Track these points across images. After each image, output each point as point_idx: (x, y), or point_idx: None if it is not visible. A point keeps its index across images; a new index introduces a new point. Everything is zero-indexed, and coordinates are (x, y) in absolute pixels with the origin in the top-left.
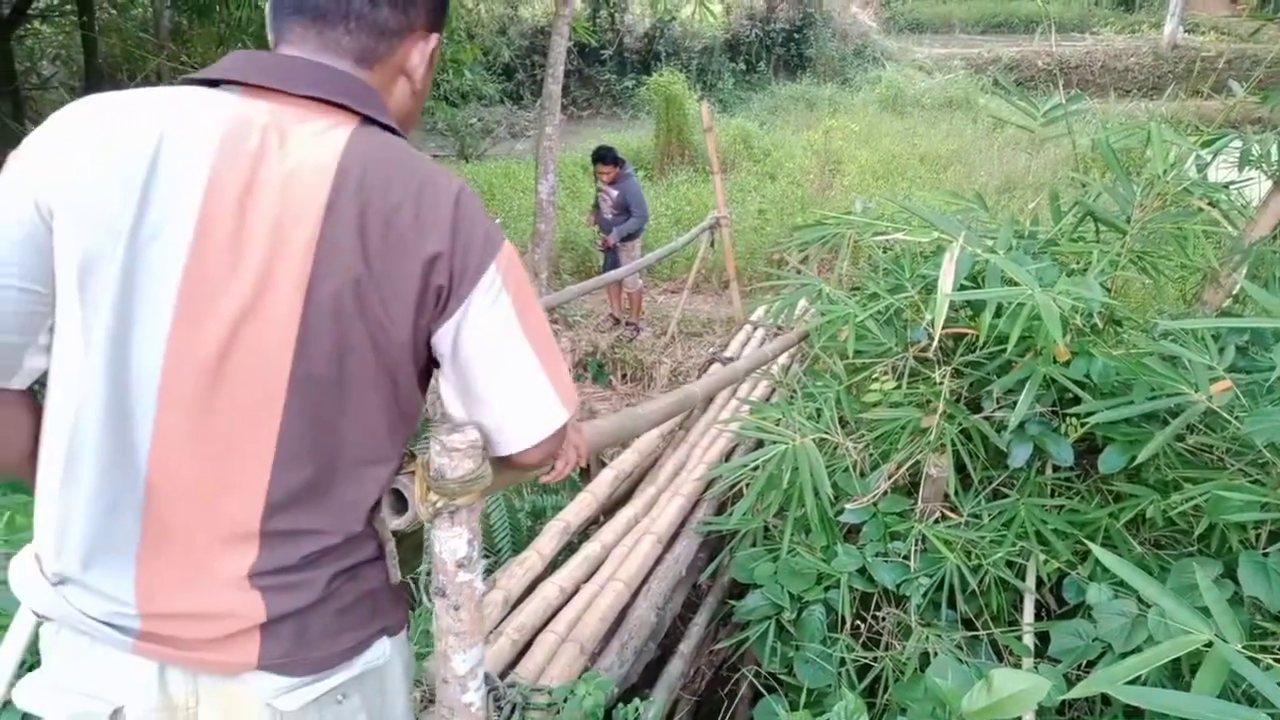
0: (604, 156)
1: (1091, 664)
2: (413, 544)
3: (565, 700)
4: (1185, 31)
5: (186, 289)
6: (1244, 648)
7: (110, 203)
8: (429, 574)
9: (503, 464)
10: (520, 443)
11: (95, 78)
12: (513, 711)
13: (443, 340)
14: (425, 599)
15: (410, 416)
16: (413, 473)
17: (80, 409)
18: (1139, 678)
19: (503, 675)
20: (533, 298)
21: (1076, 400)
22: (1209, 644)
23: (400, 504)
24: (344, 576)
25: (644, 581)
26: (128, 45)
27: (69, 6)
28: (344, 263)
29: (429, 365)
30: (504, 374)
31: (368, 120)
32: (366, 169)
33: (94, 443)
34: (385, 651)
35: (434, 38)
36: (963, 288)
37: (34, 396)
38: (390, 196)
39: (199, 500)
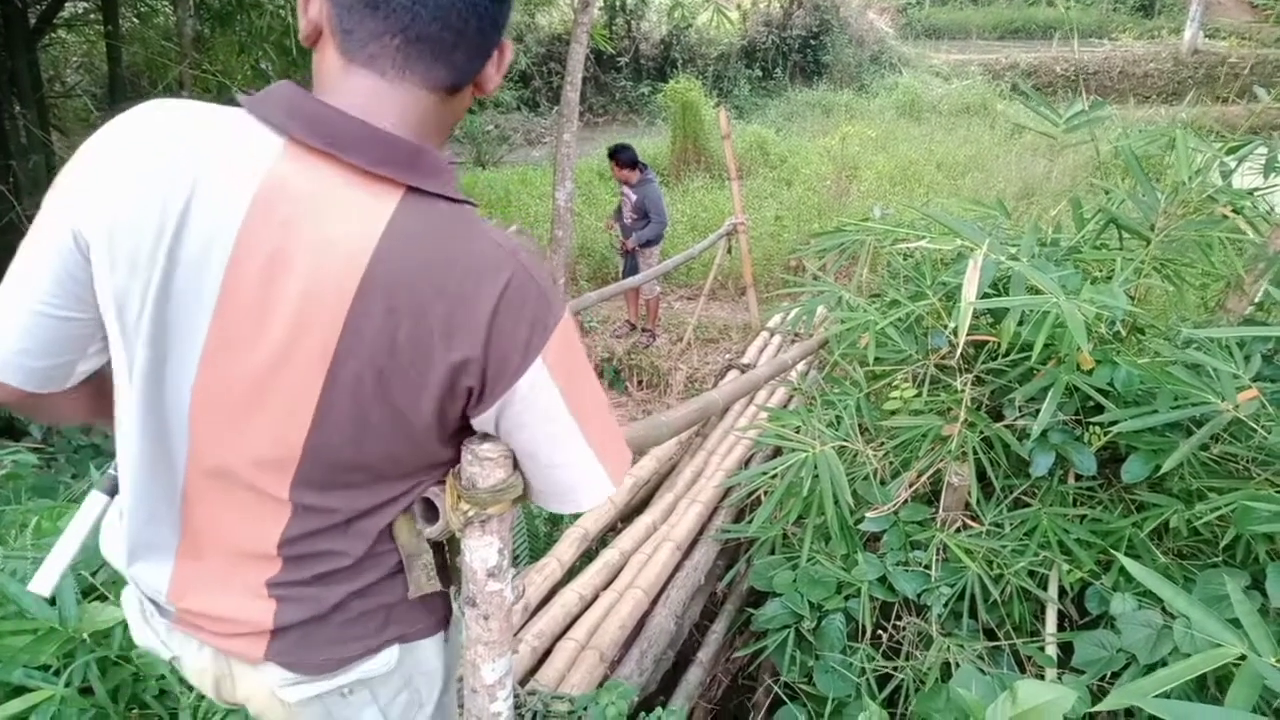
0: (616, 154)
1: (1116, 675)
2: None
3: (586, 709)
4: (1205, 37)
5: (211, 345)
6: (1277, 661)
7: (141, 250)
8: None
9: None
10: (565, 509)
11: (119, 85)
12: (533, 719)
13: (484, 424)
14: (455, 607)
15: (439, 463)
16: (443, 482)
17: (127, 427)
18: (1167, 691)
19: (523, 683)
20: (584, 374)
21: (1099, 409)
22: (1241, 657)
23: (431, 513)
24: (355, 594)
25: (663, 589)
26: (150, 53)
27: (94, 15)
28: (369, 351)
29: (465, 428)
30: (550, 457)
31: (411, 189)
32: (403, 257)
33: (136, 461)
34: (391, 660)
35: (509, 45)
36: (985, 295)
37: (89, 381)
38: (423, 292)
39: (226, 527)
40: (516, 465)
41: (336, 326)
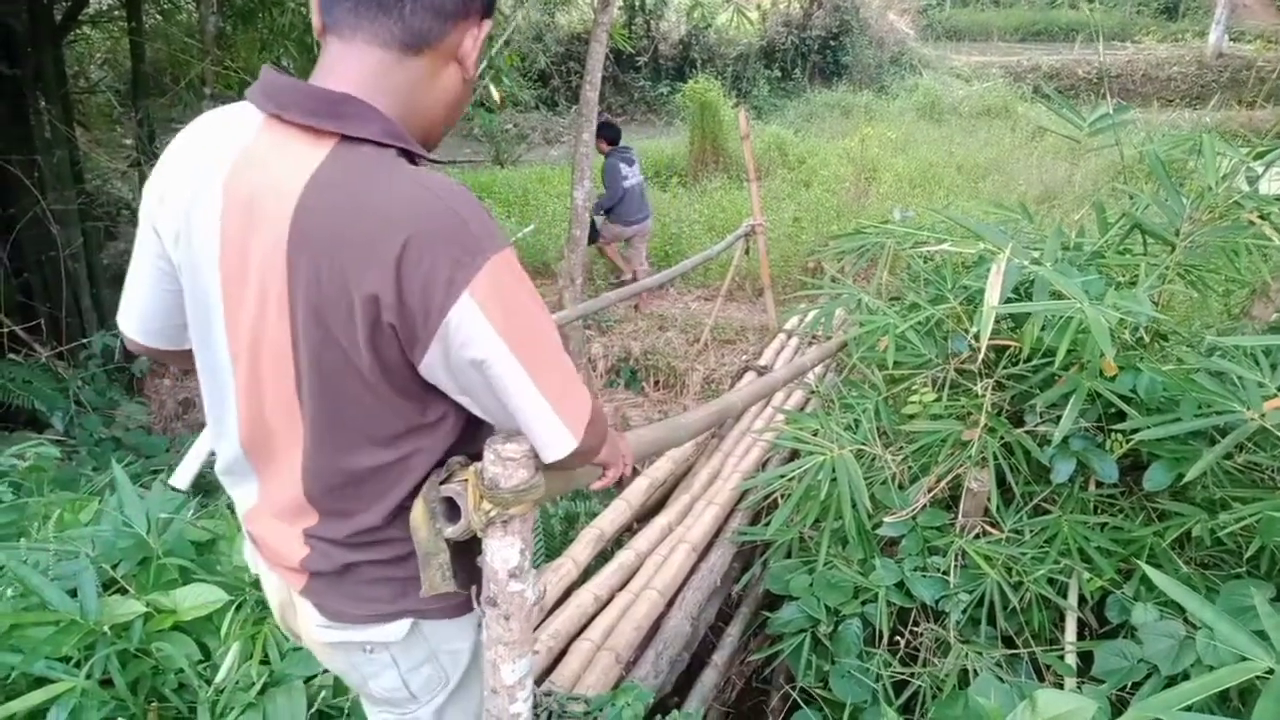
0: (598, 129)
1: (1136, 686)
2: (458, 548)
3: (602, 710)
4: (1230, 40)
5: (227, 309)
6: None
7: (179, 238)
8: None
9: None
10: (543, 459)
11: (142, 81)
12: (549, 719)
13: (432, 374)
14: (476, 607)
15: (419, 426)
16: (465, 481)
17: (202, 386)
18: (1190, 704)
19: (538, 683)
20: (530, 315)
21: (1121, 416)
22: (1269, 671)
23: (453, 513)
24: (370, 562)
25: (679, 591)
26: (173, 50)
27: (118, 12)
28: (304, 292)
29: (430, 386)
30: (504, 403)
31: (346, 137)
32: (319, 203)
33: (210, 411)
34: (401, 632)
35: (487, 24)
36: (1008, 300)
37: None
38: (335, 234)
39: (275, 474)
40: (539, 466)
41: (283, 272)
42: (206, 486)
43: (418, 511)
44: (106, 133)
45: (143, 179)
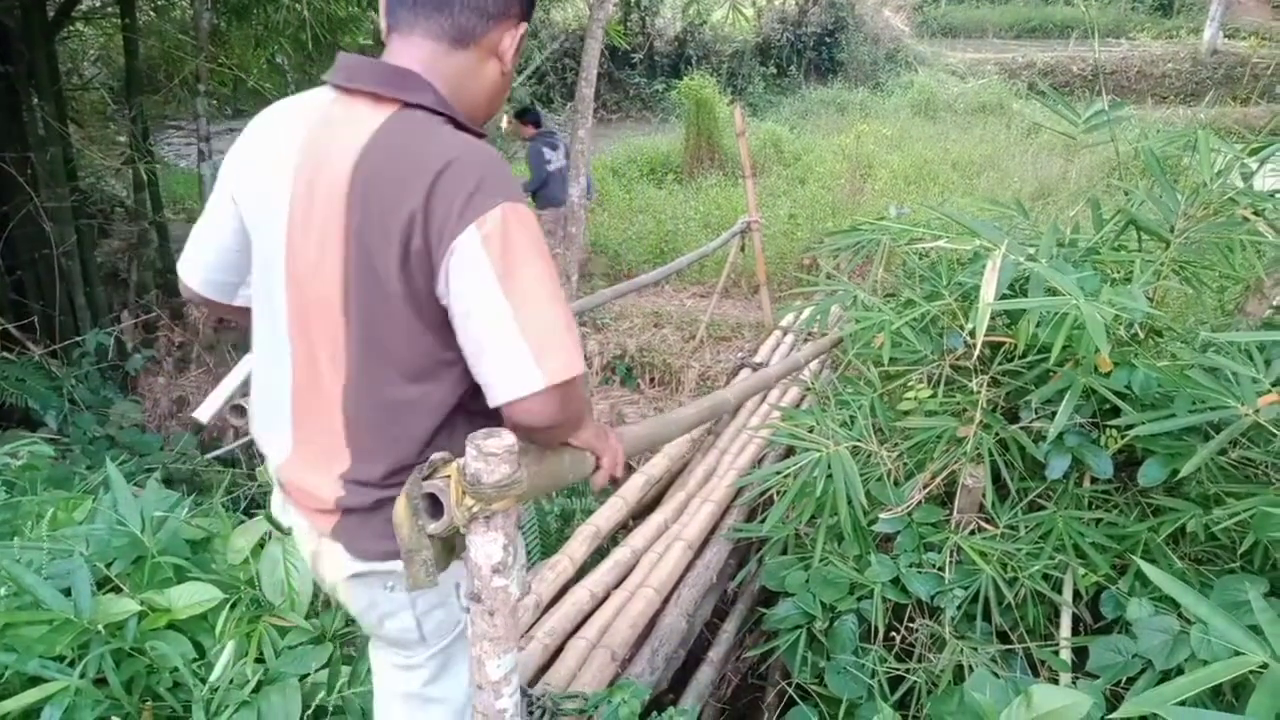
0: (521, 115)
1: (1131, 681)
2: (444, 545)
3: (598, 708)
4: (1225, 37)
5: (289, 253)
6: None
7: (257, 192)
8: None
9: (516, 430)
10: (499, 398)
11: (135, 78)
12: (543, 717)
13: (441, 297)
14: (457, 604)
15: (441, 363)
16: (448, 477)
17: (257, 337)
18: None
19: (534, 681)
20: (527, 263)
21: (1116, 411)
22: (1263, 665)
23: (436, 509)
24: (388, 502)
25: (674, 588)
26: (167, 46)
27: (111, 9)
28: (356, 226)
29: (446, 324)
30: (482, 333)
31: (406, 104)
32: (378, 150)
33: (263, 357)
34: None
35: (523, 26)
36: (1003, 296)
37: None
38: (389, 169)
39: (315, 421)
40: (522, 462)
41: (342, 214)
42: (201, 485)
43: (400, 508)
44: (100, 130)
45: (136, 176)
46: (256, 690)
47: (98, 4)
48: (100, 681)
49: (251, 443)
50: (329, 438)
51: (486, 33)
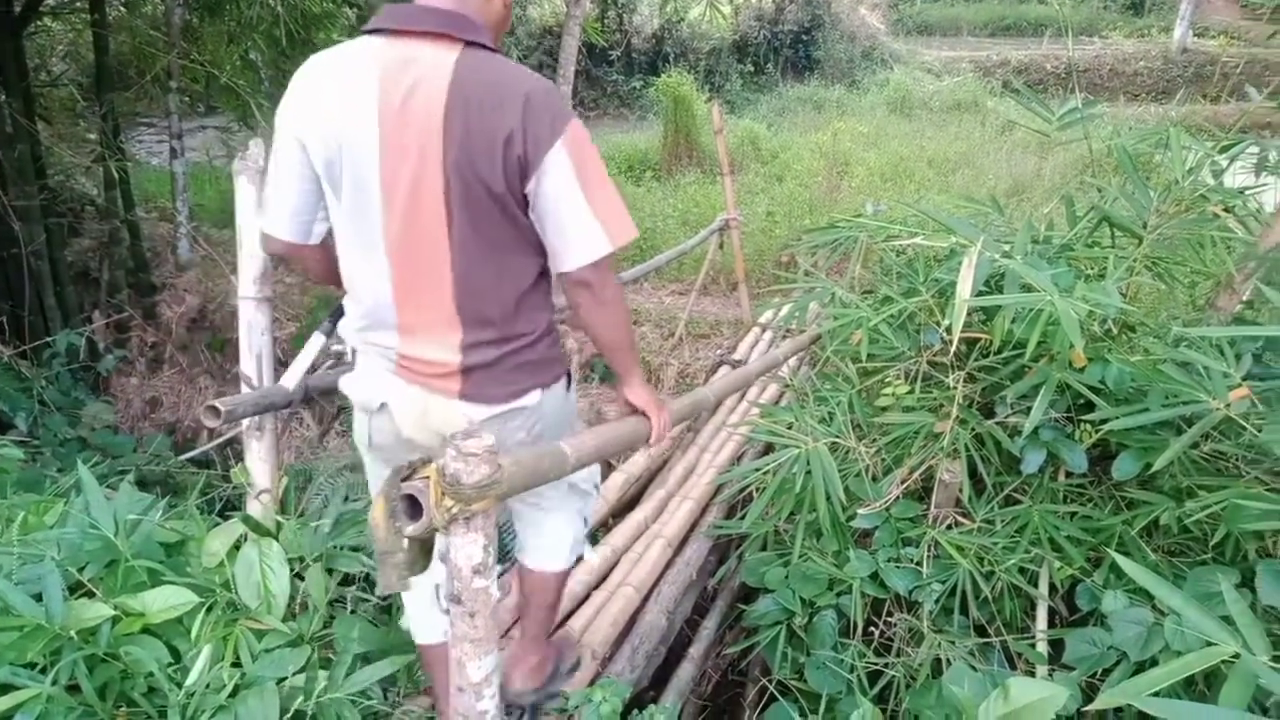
0: None
1: (1106, 672)
2: (421, 547)
3: (579, 707)
4: (1195, 36)
5: (384, 170)
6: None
7: (329, 129)
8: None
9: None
10: (570, 263)
11: (106, 74)
12: (522, 716)
13: (531, 193)
14: (439, 605)
15: (534, 243)
16: (427, 478)
17: (349, 253)
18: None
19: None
20: (592, 161)
21: (1091, 406)
22: (1235, 655)
23: (415, 510)
24: (509, 353)
25: (655, 585)
26: (138, 42)
27: (80, 3)
28: (458, 140)
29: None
30: (566, 217)
31: (470, 42)
32: (469, 78)
33: (359, 270)
34: (536, 399)
35: None
36: (979, 292)
37: (326, 245)
38: (483, 96)
39: (421, 301)
40: (500, 463)
41: (439, 132)
42: (175, 487)
43: (377, 509)
44: (69, 127)
45: (107, 174)
46: (233, 695)
47: None
48: (73, 688)
49: (226, 444)
50: (442, 316)
51: None
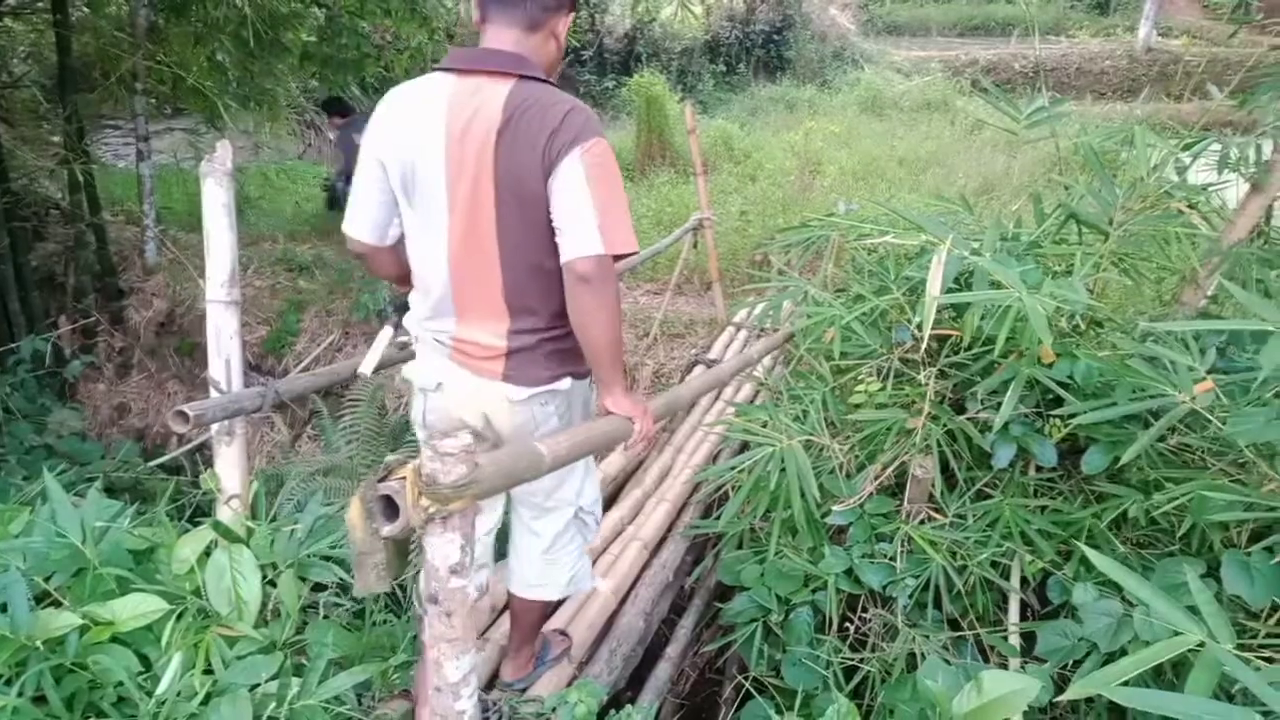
0: (327, 106)
1: (1078, 663)
2: (397, 549)
3: (555, 709)
4: (1159, 35)
5: (448, 184)
6: (1234, 648)
7: (404, 151)
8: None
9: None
10: (568, 253)
11: (69, 76)
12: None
13: (549, 189)
14: (416, 605)
15: (553, 242)
16: (404, 478)
17: (418, 252)
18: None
19: (491, 684)
20: (608, 174)
21: (1059, 401)
22: (1201, 644)
23: (392, 511)
24: (546, 340)
25: (631, 587)
26: (102, 43)
27: (41, 4)
28: (507, 152)
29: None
30: (568, 210)
31: (523, 76)
32: (518, 104)
33: (426, 267)
34: (568, 385)
35: (572, 14)
36: (949, 290)
37: (396, 248)
38: (529, 115)
39: (476, 293)
40: (477, 462)
41: (491, 154)
42: (144, 493)
43: (353, 511)
44: (33, 130)
45: (72, 177)
46: (205, 702)
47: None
48: (39, 699)
49: (197, 449)
50: (492, 307)
51: (547, 20)
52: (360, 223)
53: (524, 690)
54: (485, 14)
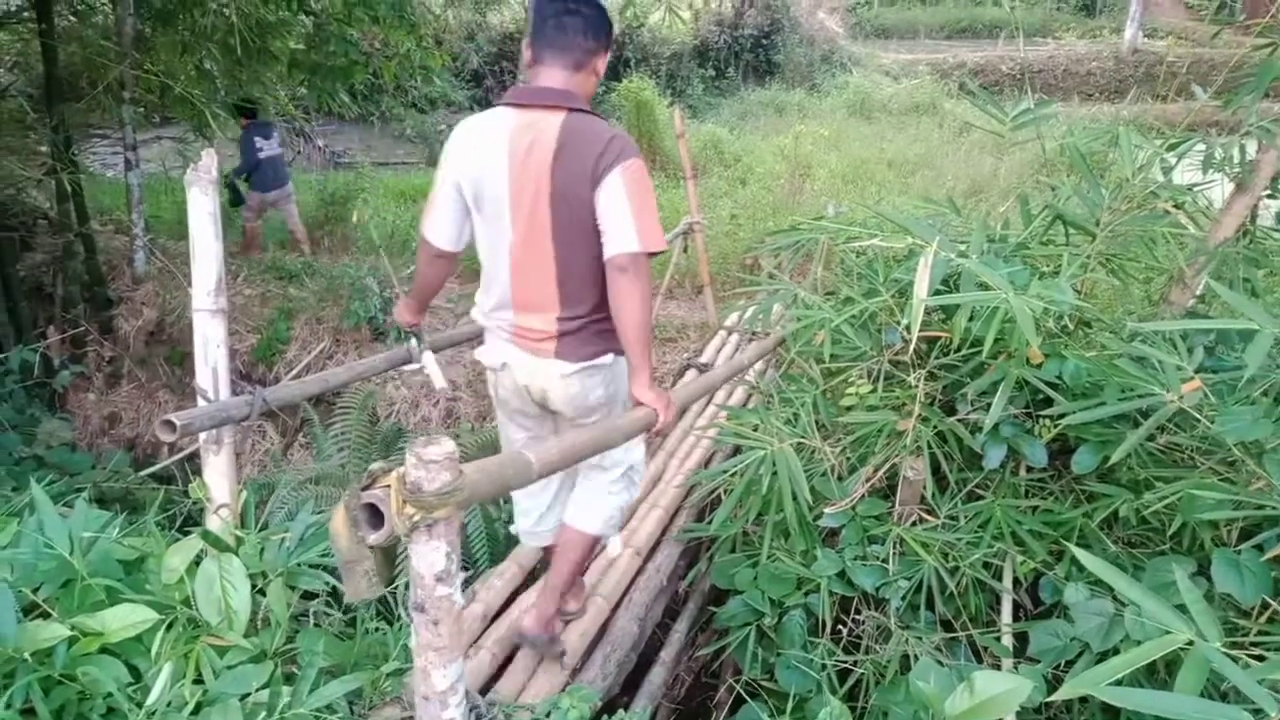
0: (239, 108)
1: (1070, 663)
2: (385, 557)
3: (549, 715)
4: (1145, 36)
5: (512, 198)
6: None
7: (475, 172)
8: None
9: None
10: (610, 250)
11: (56, 86)
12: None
13: (596, 198)
14: (405, 614)
15: (598, 242)
16: (388, 486)
17: (487, 254)
18: (1120, 678)
19: (484, 691)
20: (642, 189)
21: (1049, 402)
22: (1190, 643)
23: (377, 519)
24: (590, 323)
25: (625, 593)
26: (89, 52)
27: (27, 13)
28: (561, 171)
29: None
30: (611, 215)
31: (572, 109)
32: (571, 132)
33: (493, 266)
34: (610, 360)
35: (609, 53)
36: (937, 291)
37: (456, 257)
38: (579, 141)
39: (533, 286)
40: (462, 470)
41: (548, 173)
42: (135, 503)
43: (338, 520)
44: (19, 139)
45: (59, 187)
46: (195, 712)
47: (12, 8)
48: (28, 711)
49: (188, 458)
50: (546, 298)
51: (590, 60)
52: (440, 231)
53: (551, 640)
54: (538, 57)
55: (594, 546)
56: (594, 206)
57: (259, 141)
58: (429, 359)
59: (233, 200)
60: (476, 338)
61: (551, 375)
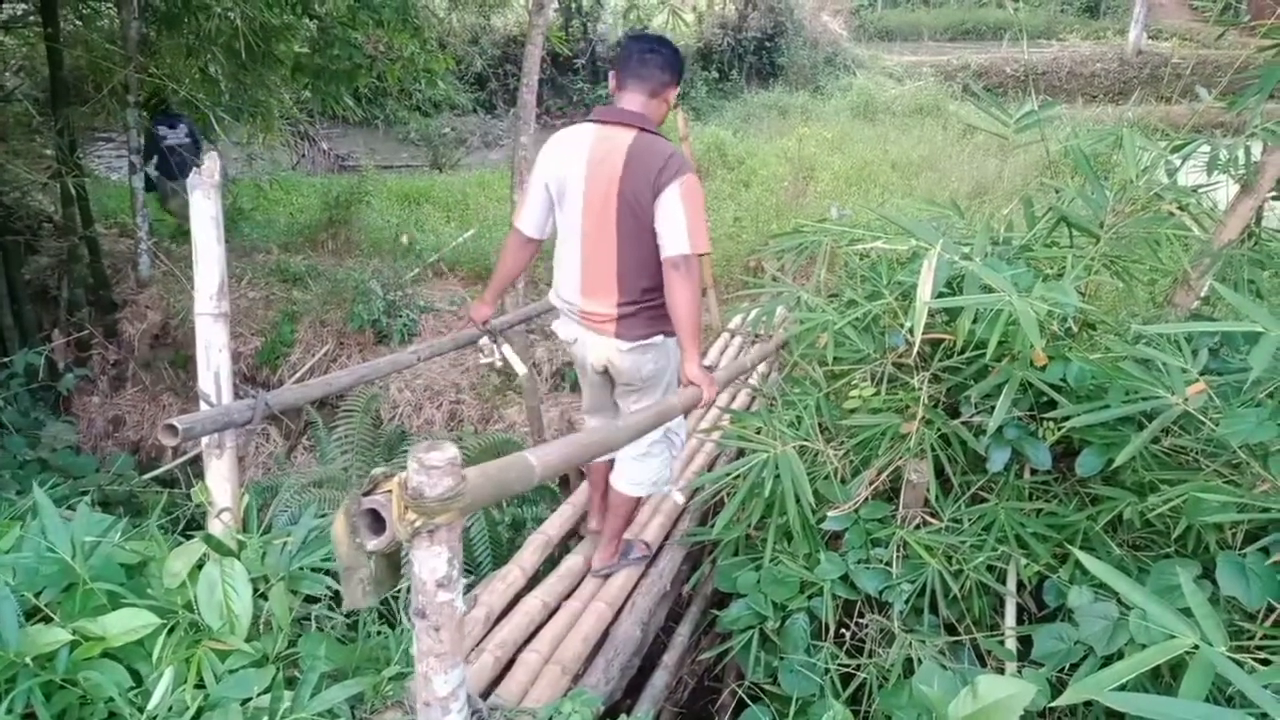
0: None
1: (1075, 667)
2: (389, 563)
3: (551, 719)
4: (1149, 38)
5: (586, 197)
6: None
7: (560, 173)
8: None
9: (667, 266)
10: (665, 251)
11: (61, 89)
12: None
13: (656, 206)
14: (405, 619)
15: (655, 239)
16: (389, 492)
17: (563, 242)
18: (1124, 683)
19: (486, 694)
20: (695, 200)
21: (1053, 404)
22: (1195, 647)
23: (378, 525)
24: (645, 307)
25: (628, 598)
26: (94, 56)
27: (33, 17)
28: (629, 178)
29: None
30: (667, 221)
31: (642, 129)
32: (638, 149)
33: (566, 255)
34: (661, 340)
35: (678, 85)
36: (940, 294)
37: (539, 244)
38: (645, 156)
39: (597, 274)
40: (464, 475)
41: (619, 174)
42: (138, 507)
43: (338, 526)
44: (25, 143)
45: (64, 190)
46: (197, 717)
47: (18, 13)
48: (29, 716)
49: (192, 462)
50: (607, 285)
51: (663, 90)
52: (529, 221)
53: (607, 577)
54: (621, 85)
55: (639, 504)
56: (653, 212)
57: (162, 130)
58: (508, 350)
59: (147, 186)
60: (474, 341)
61: (612, 350)
